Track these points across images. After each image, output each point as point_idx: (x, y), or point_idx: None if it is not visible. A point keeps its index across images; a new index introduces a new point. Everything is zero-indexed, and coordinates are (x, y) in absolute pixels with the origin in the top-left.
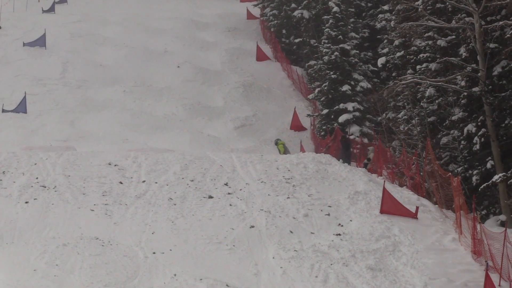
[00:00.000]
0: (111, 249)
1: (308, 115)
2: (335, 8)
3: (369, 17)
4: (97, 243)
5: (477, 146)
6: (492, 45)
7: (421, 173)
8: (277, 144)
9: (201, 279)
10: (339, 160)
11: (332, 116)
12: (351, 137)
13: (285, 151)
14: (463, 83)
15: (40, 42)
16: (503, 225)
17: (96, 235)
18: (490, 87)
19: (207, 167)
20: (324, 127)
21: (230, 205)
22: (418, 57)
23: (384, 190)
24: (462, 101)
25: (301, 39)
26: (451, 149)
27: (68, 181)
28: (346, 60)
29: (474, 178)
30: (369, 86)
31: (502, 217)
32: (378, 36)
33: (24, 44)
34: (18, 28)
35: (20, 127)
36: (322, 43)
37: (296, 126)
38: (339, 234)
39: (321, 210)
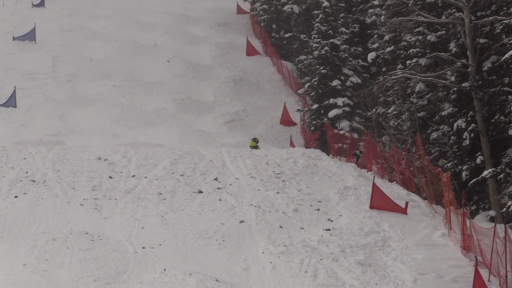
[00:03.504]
0: (100, 244)
1: (298, 110)
2: (325, 3)
3: (359, 12)
4: (87, 238)
5: (467, 142)
6: (482, 41)
7: (411, 168)
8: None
9: (190, 274)
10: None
11: (322, 111)
12: (341, 132)
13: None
14: (453, 78)
15: (30, 36)
16: (492, 221)
17: (86, 230)
18: (480, 82)
19: (197, 162)
20: (314, 122)
21: (220, 200)
22: (408, 52)
23: (374, 185)
24: (452, 97)
25: (291, 34)
26: (441, 144)
27: (57, 176)
28: (336, 55)
29: (463, 174)
30: (359, 81)
31: (492, 213)
32: (368, 31)
33: (14, 38)
34: (8, 22)
35: (10, 121)
36: (312, 38)
37: (286, 121)
38: (329, 229)
39: (311, 205)
